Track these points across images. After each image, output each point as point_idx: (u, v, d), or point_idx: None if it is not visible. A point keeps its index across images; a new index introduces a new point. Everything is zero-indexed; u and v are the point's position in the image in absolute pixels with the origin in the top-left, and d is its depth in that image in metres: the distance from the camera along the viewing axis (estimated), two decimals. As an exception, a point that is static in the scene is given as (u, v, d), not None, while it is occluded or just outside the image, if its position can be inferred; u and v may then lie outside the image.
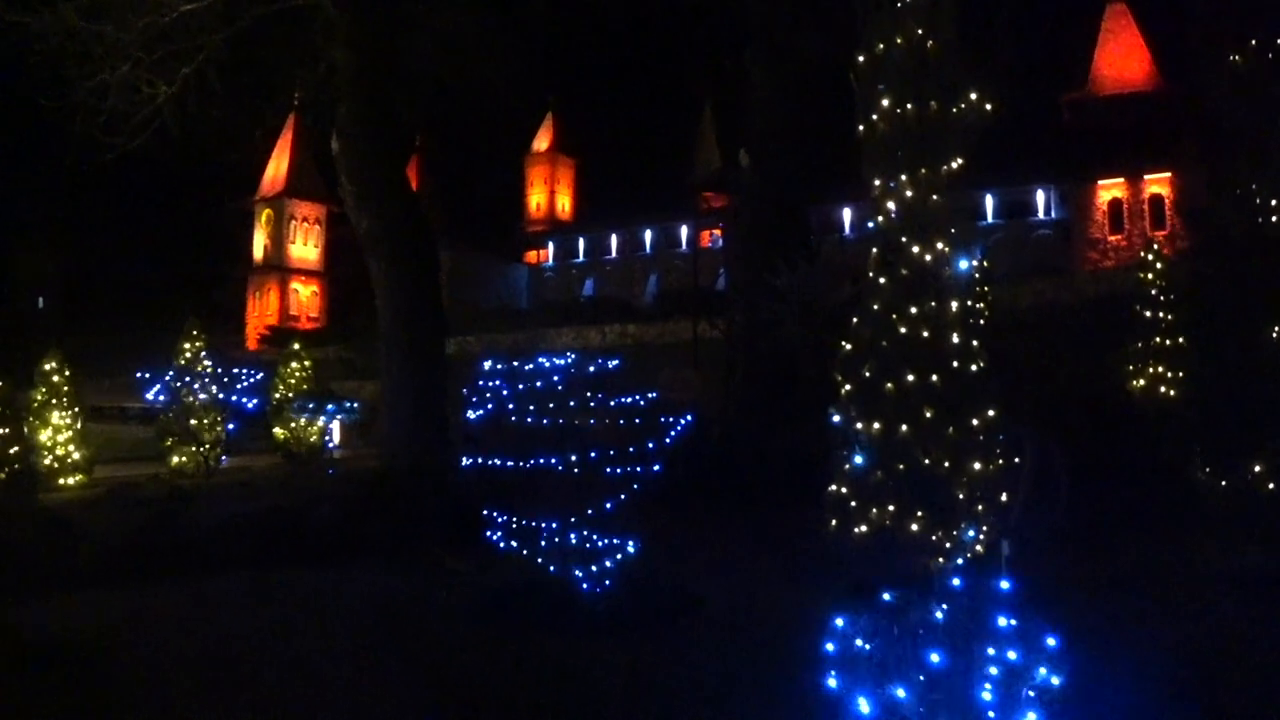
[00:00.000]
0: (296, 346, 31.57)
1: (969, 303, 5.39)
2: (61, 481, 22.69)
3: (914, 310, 5.05)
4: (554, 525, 8.83)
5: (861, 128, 5.40)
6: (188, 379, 24.74)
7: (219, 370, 25.95)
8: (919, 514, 4.84)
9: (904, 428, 4.94)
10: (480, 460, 9.62)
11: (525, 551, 9.08)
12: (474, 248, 67.62)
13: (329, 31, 20.59)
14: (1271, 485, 8.81)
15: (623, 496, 8.85)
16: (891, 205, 5.26)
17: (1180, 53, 46.73)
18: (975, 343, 5.09)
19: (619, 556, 8.77)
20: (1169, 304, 17.38)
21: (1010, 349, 15.27)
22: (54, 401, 23.37)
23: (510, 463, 9.18)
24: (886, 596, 4.48)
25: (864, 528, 5.02)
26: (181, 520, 13.61)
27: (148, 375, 26.71)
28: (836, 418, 5.20)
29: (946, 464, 4.88)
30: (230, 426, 25.62)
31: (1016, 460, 5.54)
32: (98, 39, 19.26)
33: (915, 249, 5.17)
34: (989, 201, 53.39)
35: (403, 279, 19.58)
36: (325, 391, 30.55)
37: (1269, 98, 8.82)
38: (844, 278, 18.72)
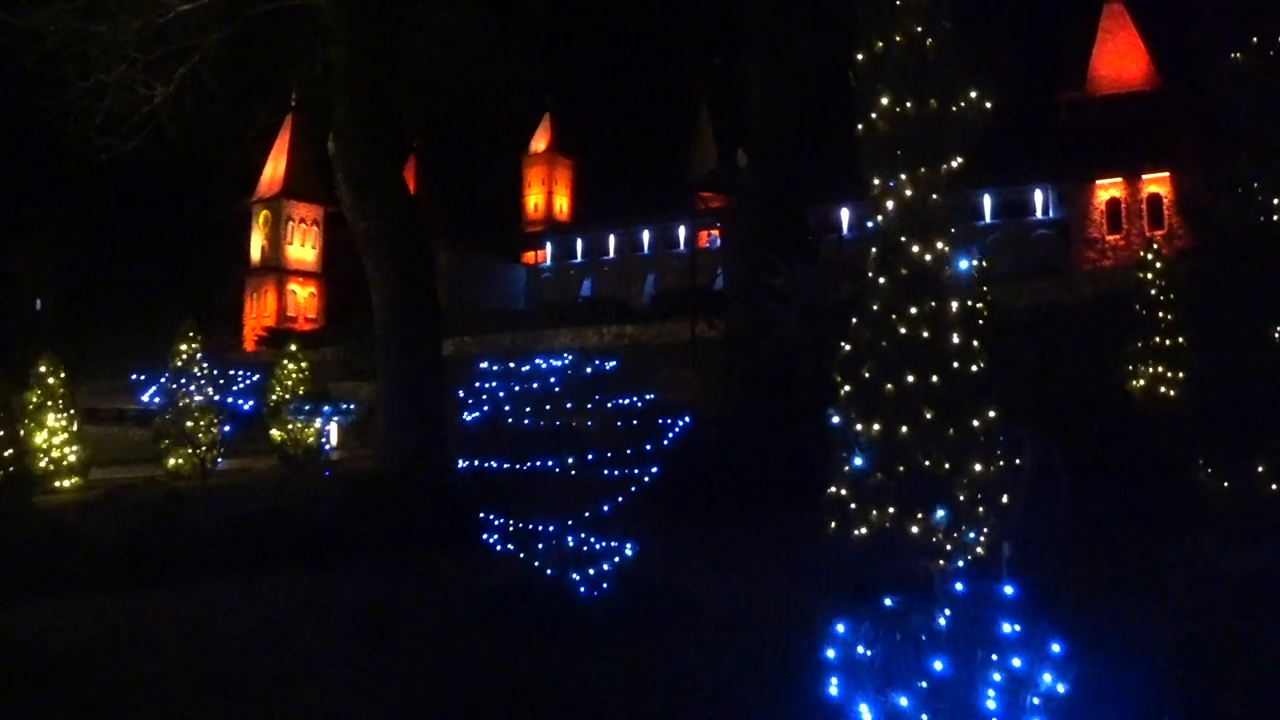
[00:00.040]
0: (293, 348, 31.46)
1: (969, 303, 5.35)
2: (57, 484, 22.62)
3: (914, 310, 5.02)
4: (551, 528, 8.78)
5: (860, 127, 5.37)
6: (183, 381, 24.65)
7: (214, 372, 25.85)
8: (919, 516, 4.79)
9: (904, 429, 4.90)
10: (476, 462, 9.57)
11: (522, 554, 9.03)
12: (472, 248, 67.54)
13: (326, 31, 20.54)
14: (1274, 486, 8.77)
15: (620, 499, 8.80)
16: (891, 204, 5.22)
17: (1179, 52, 46.69)
18: (975, 343, 5.06)
19: (616, 559, 8.71)
20: (1169, 303, 17.35)
21: (1010, 349, 15.24)
22: (50, 404, 23.31)
23: (507, 465, 9.13)
24: (888, 602, 4.42)
25: (864, 530, 4.98)
26: (178, 523, 13.54)
27: (143, 377, 26.60)
28: (836, 419, 5.16)
29: (947, 465, 4.84)
30: (226, 428, 25.51)
31: (1017, 461, 5.50)
32: (94, 40, 19.21)
33: (915, 248, 5.13)
34: (987, 201, 53.37)
35: (399, 279, 19.52)
36: (322, 393, 30.46)
37: (1271, 96, 8.78)
38: (843, 278, 18.68)
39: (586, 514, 8.70)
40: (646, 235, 68.06)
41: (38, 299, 76.68)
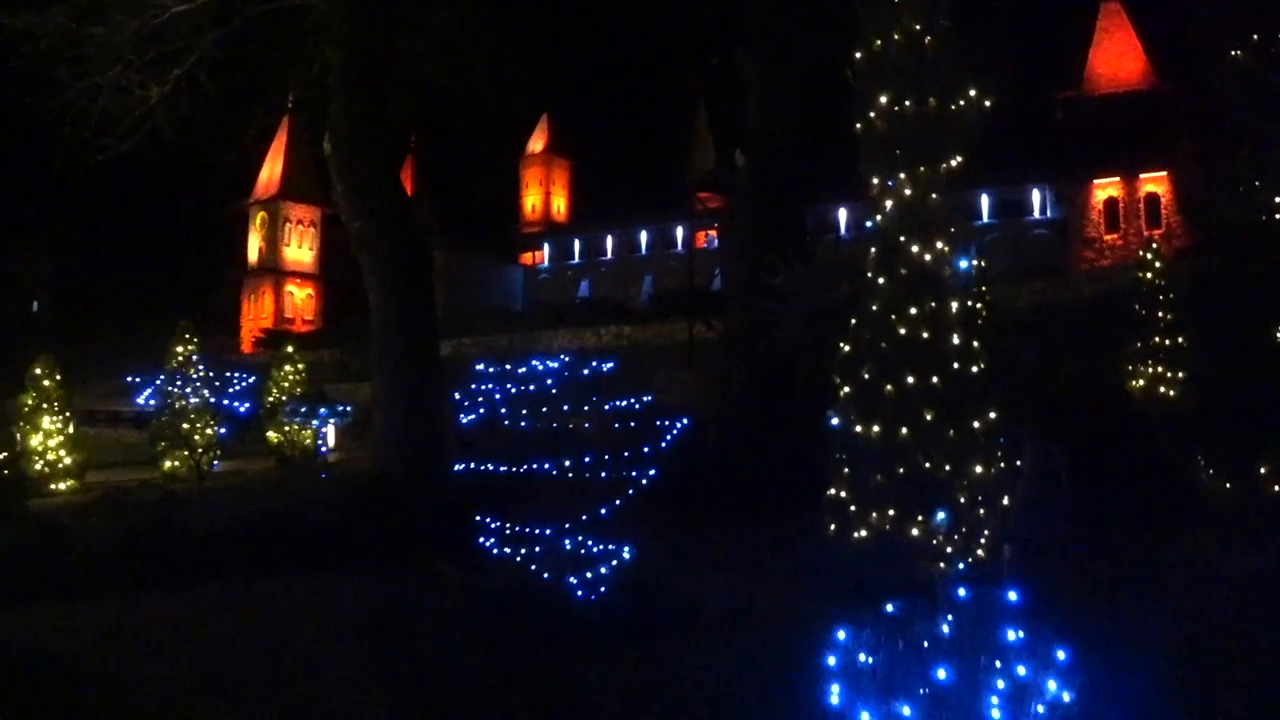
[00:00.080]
0: (290, 349, 31.39)
1: (969, 303, 5.31)
2: (53, 487, 22.52)
3: (914, 311, 4.97)
4: (548, 531, 8.72)
5: (859, 126, 5.33)
6: (178, 382, 24.56)
7: (210, 374, 25.77)
8: (919, 518, 4.75)
9: (904, 430, 4.86)
10: (473, 465, 9.51)
11: (519, 558, 8.97)
12: (469, 249, 67.48)
13: (322, 31, 20.47)
14: (1277, 487, 8.72)
15: (618, 502, 8.74)
16: (890, 204, 5.17)
17: (1176, 51, 46.74)
18: (976, 344, 5.01)
19: (614, 563, 8.66)
20: (1168, 303, 17.30)
21: (1009, 349, 15.21)
22: (45, 406, 23.21)
23: (503, 467, 9.07)
24: (890, 608, 4.36)
25: (864, 532, 4.94)
26: (173, 525, 13.47)
27: (138, 379, 26.51)
28: (835, 420, 5.12)
29: (947, 467, 4.79)
30: (222, 430, 25.43)
31: (1017, 463, 5.46)
32: (89, 41, 19.14)
33: (914, 248, 5.08)
34: (984, 201, 53.35)
35: (396, 281, 19.45)
36: (318, 395, 30.37)
37: (1271, 93, 8.73)
38: (841, 278, 18.66)
39: (584, 517, 8.64)
40: (644, 236, 68.00)
41: (35, 301, 76.62)
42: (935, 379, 4.86)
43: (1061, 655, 4.18)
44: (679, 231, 62.46)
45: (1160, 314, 17.44)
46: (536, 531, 8.77)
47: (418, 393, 18.86)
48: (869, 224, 5.47)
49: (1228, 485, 9.14)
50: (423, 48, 22.90)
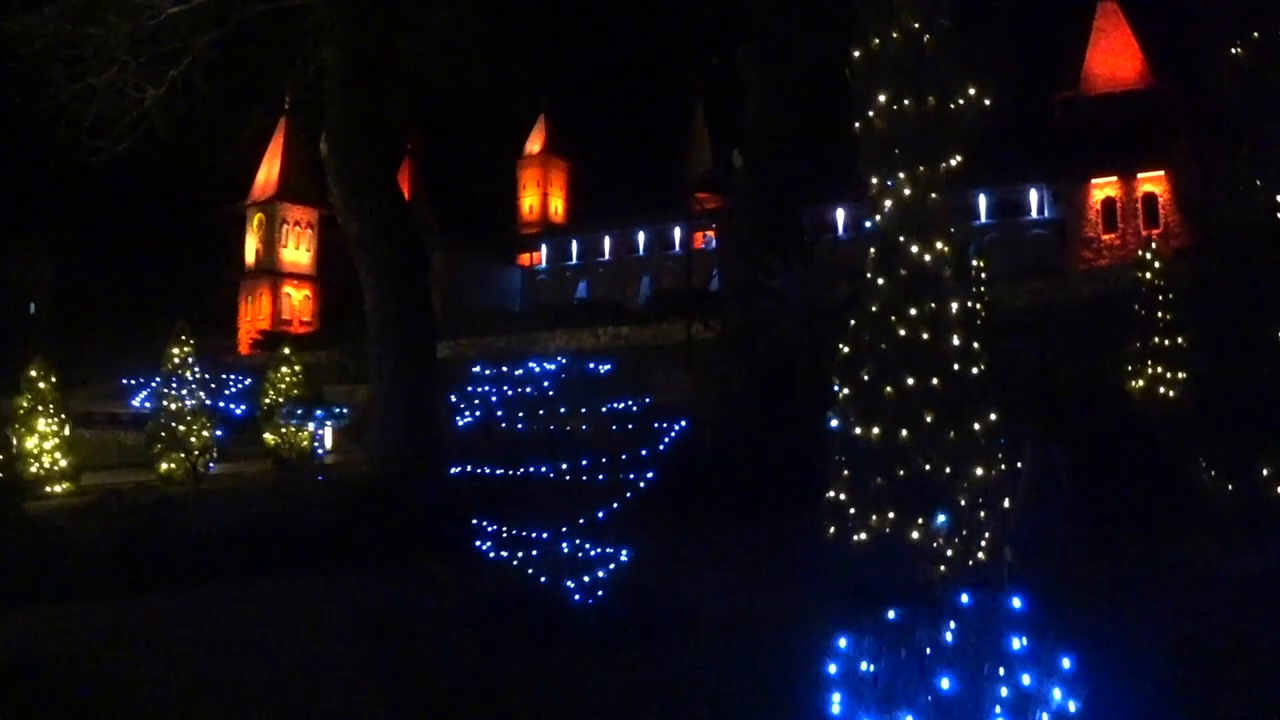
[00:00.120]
0: (286, 351, 31.31)
1: (969, 303, 5.27)
2: (48, 489, 22.44)
3: (913, 312, 4.93)
4: (545, 534, 8.67)
5: (858, 125, 5.28)
6: (174, 384, 24.48)
7: (206, 376, 25.68)
8: (920, 521, 4.70)
9: (904, 432, 4.81)
10: (470, 468, 9.46)
11: (515, 561, 8.92)
12: (467, 250, 67.45)
13: (319, 31, 20.42)
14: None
15: (615, 505, 8.69)
16: (889, 204, 5.13)
17: (1173, 50, 46.77)
18: (976, 345, 4.97)
19: (611, 566, 8.60)
20: (1168, 303, 17.27)
21: (1009, 349, 15.18)
22: (40, 409, 23.13)
23: (500, 470, 9.02)
24: (891, 615, 4.30)
25: (864, 535, 4.89)
26: (170, 528, 13.41)
27: (134, 381, 26.43)
28: (835, 422, 5.07)
29: (948, 469, 4.75)
30: (218, 433, 25.35)
31: (1018, 464, 5.42)
32: (84, 42, 19.08)
33: (914, 249, 5.04)
34: (982, 201, 53.37)
35: (392, 282, 19.39)
36: (316, 396, 30.29)
37: (1272, 91, 8.69)
38: (839, 278, 18.62)
39: (581, 520, 8.60)
40: (642, 236, 68.00)
41: (32, 302, 76.46)
42: (935, 380, 4.82)
43: (1067, 663, 4.12)
44: (677, 232, 62.44)
45: (1160, 314, 17.41)
46: (533, 535, 8.72)
47: (415, 394, 18.79)
48: (868, 224, 5.43)
49: (1229, 487, 9.10)
50: (421, 48, 22.86)
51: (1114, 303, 22.08)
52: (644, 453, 8.79)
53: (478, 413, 9.27)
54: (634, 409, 9.20)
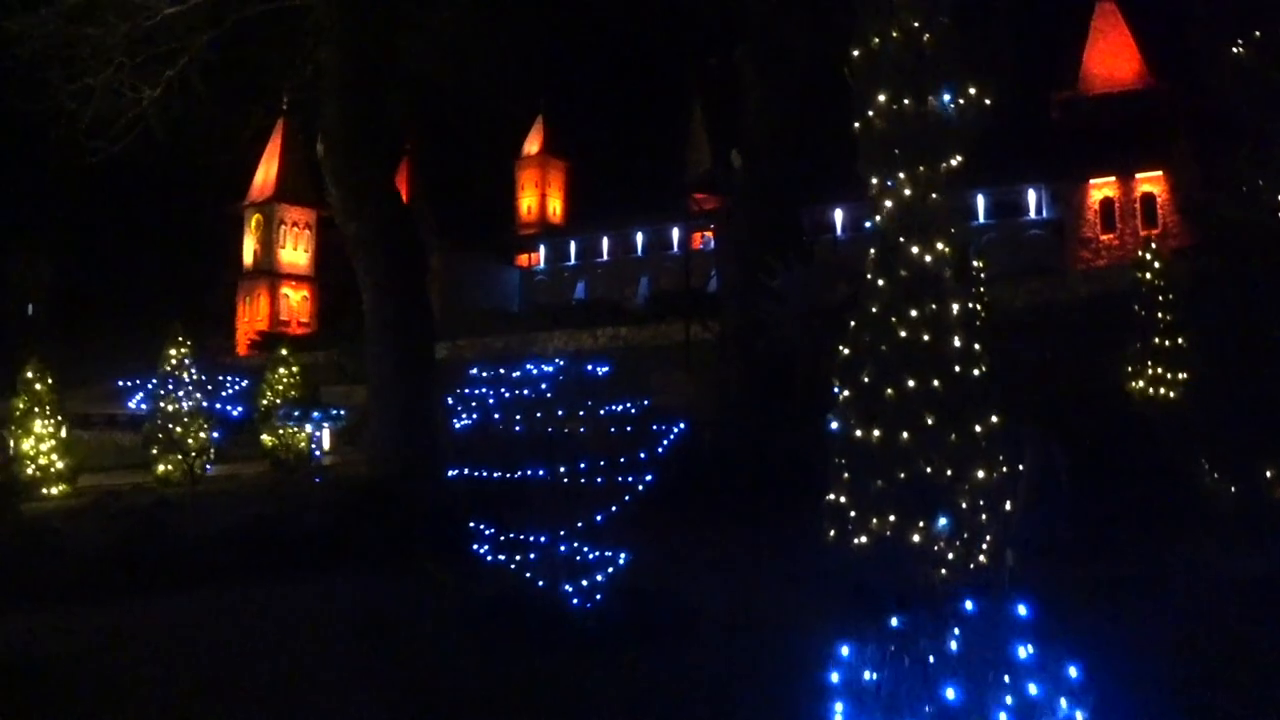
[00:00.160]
0: (284, 352, 31.28)
1: (970, 304, 5.23)
2: (45, 491, 22.39)
3: (914, 313, 4.89)
4: (543, 537, 8.62)
5: (857, 125, 5.24)
6: (171, 385, 24.42)
7: (203, 377, 25.64)
8: (921, 524, 4.67)
9: (905, 434, 4.77)
10: (467, 470, 9.42)
11: (513, 564, 8.88)
12: (465, 251, 67.35)
13: (317, 31, 20.38)
14: (1280, 489, 8.67)
15: (614, 508, 8.65)
16: (889, 204, 5.09)
17: (1171, 50, 46.82)
18: (977, 346, 4.93)
19: (610, 569, 8.56)
20: (1167, 303, 17.25)
21: (1009, 349, 15.15)
22: (36, 410, 23.08)
23: (498, 473, 8.98)
24: (894, 622, 4.25)
25: (864, 538, 4.85)
26: (167, 530, 13.38)
27: (130, 383, 26.37)
28: (835, 424, 5.03)
29: (949, 472, 4.71)
30: (215, 434, 25.31)
31: (1019, 466, 5.39)
32: (81, 42, 19.05)
33: (914, 249, 5.00)
34: (980, 201, 53.36)
35: (390, 283, 19.36)
36: (314, 397, 30.26)
37: (1272, 90, 8.66)
38: (838, 278, 18.60)
39: (579, 523, 8.55)
40: (640, 237, 67.94)
41: (30, 303, 76.31)
42: (936, 382, 4.78)
43: (1074, 672, 4.07)
44: (675, 232, 62.39)
45: (1159, 314, 17.40)
46: (531, 538, 8.68)
47: (414, 395, 18.76)
48: (868, 224, 5.40)
49: (1231, 488, 9.08)
50: (420, 48, 22.84)
51: (1113, 303, 22.09)
52: (643, 456, 8.75)
53: (475, 415, 9.23)
54: (632, 411, 9.16)
